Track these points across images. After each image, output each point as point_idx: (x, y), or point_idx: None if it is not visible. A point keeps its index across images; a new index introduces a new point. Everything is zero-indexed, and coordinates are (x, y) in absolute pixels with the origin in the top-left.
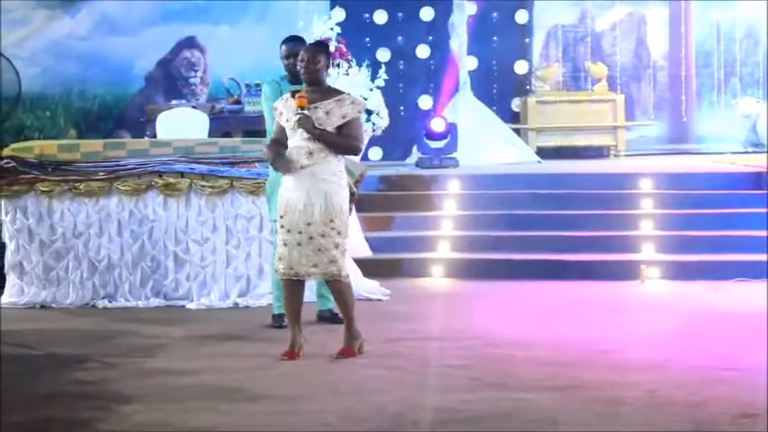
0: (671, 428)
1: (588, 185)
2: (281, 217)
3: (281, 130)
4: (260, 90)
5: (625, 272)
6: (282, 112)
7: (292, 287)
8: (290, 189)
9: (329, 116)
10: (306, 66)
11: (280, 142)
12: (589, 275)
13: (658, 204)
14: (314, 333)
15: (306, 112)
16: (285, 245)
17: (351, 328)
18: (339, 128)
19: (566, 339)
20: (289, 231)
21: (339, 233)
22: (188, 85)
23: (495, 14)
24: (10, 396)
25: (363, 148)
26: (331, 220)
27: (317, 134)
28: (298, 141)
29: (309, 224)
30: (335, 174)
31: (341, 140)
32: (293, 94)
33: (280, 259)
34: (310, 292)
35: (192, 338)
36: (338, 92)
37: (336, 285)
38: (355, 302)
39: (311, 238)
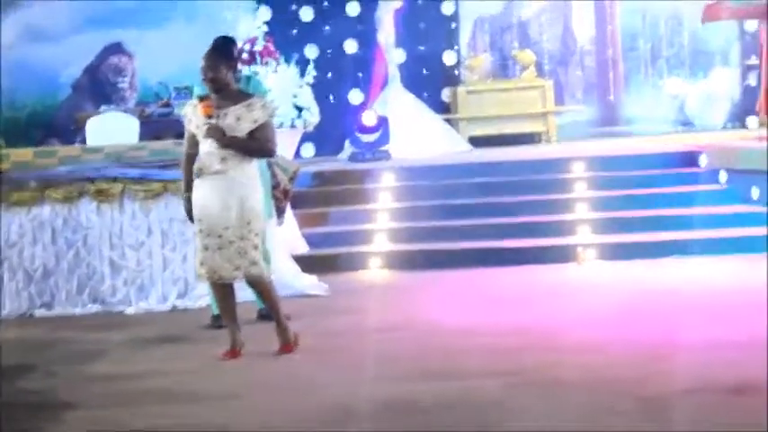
0: (614, 406)
1: (521, 172)
2: (200, 221)
3: (192, 137)
4: (189, 93)
5: (562, 255)
6: (192, 119)
7: (222, 289)
8: (205, 194)
9: (240, 122)
10: (206, 72)
11: (194, 157)
12: (527, 260)
13: (592, 186)
14: (255, 332)
15: (213, 121)
16: (206, 249)
17: (281, 324)
18: (251, 132)
19: (507, 325)
20: (208, 236)
21: (257, 234)
22: (117, 91)
23: (421, 6)
24: None
25: (276, 148)
26: (248, 223)
27: (227, 142)
28: (209, 147)
29: (227, 228)
30: (250, 177)
31: (253, 145)
32: (201, 99)
33: (201, 264)
34: (249, 292)
35: (133, 342)
36: (246, 95)
37: (260, 286)
38: (282, 299)
39: (231, 241)
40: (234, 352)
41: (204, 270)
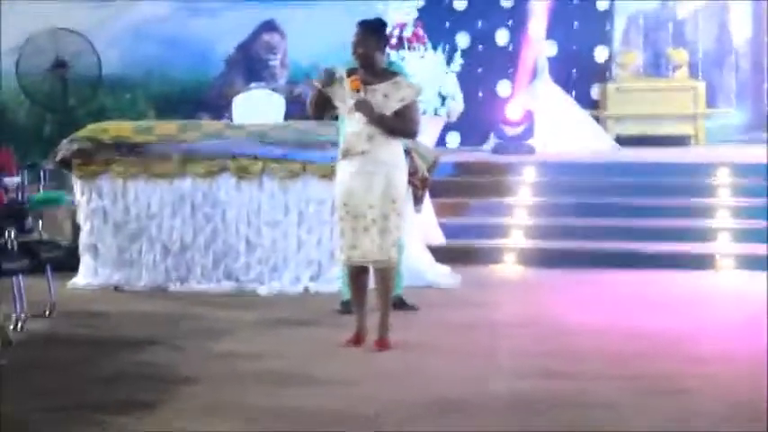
0: (734, 418)
1: (665, 174)
2: (345, 204)
3: (322, 105)
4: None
5: (700, 262)
6: (341, 97)
7: (359, 275)
8: (351, 175)
9: (387, 99)
10: (356, 47)
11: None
12: (664, 265)
13: (735, 194)
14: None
15: (362, 94)
16: (354, 230)
17: (387, 318)
18: (396, 111)
19: (637, 329)
20: (355, 217)
21: (399, 215)
22: (267, 68)
23: (575, 0)
24: (79, 376)
25: (420, 130)
26: (393, 201)
27: (377, 119)
28: (356, 126)
29: (371, 207)
30: (395, 156)
31: (400, 124)
32: (348, 73)
33: (354, 247)
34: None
35: (260, 323)
36: (393, 73)
37: (387, 274)
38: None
39: (374, 221)
40: (358, 338)
41: (358, 254)
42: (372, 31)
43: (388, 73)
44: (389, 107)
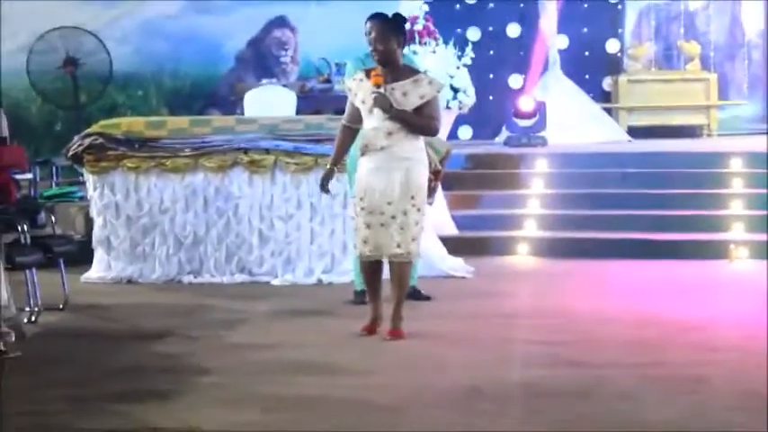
0: (749, 407)
1: (678, 164)
2: (361, 199)
3: (354, 111)
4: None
5: (714, 251)
6: (357, 92)
7: (373, 265)
8: (370, 171)
9: (407, 97)
10: (375, 44)
11: (351, 130)
12: (677, 255)
13: (748, 184)
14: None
15: (381, 90)
16: (369, 227)
17: (401, 308)
18: (417, 108)
19: (650, 318)
20: (371, 213)
21: (419, 210)
22: (279, 65)
23: None
24: (94, 368)
25: (441, 127)
26: (412, 197)
27: (395, 113)
28: (375, 122)
29: (390, 203)
30: (416, 151)
31: (419, 120)
32: (367, 73)
33: (365, 242)
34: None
35: (274, 314)
36: (414, 71)
37: (405, 267)
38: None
39: (394, 217)
40: (373, 327)
41: (368, 248)
42: (392, 28)
43: (408, 70)
44: (409, 104)
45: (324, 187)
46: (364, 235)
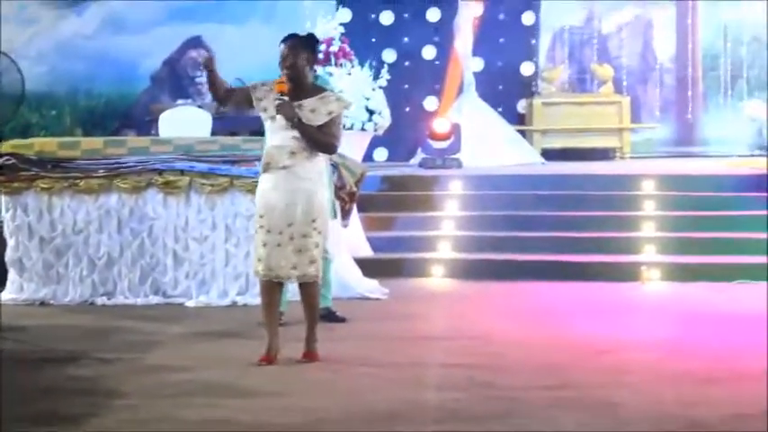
0: (661, 428)
1: (591, 187)
2: (261, 217)
3: (236, 94)
4: None
5: (626, 273)
6: (262, 98)
7: (271, 289)
8: (270, 189)
9: (315, 114)
10: (285, 60)
11: (228, 91)
12: (590, 276)
13: (660, 206)
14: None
15: (286, 98)
16: (265, 245)
17: (314, 330)
18: (321, 125)
19: (563, 340)
20: (269, 232)
21: (320, 233)
22: (194, 85)
23: (501, 15)
24: (8, 391)
25: (339, 146)
26: (313, 220)
27: (297, 124)
28: (279, 140)
29: (290, 224)
30: (318, 173)
31: (323, 137)
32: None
33: (259, 260)
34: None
35: (189, 336)
36: (321, 89)
37: (311, 288)
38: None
39: (292, 238)
40: (269, 357)
41: (261, 267)
42: (302, 46)
43: (316, 88)
44: (318, 121)
45: None
46: (260, 253)
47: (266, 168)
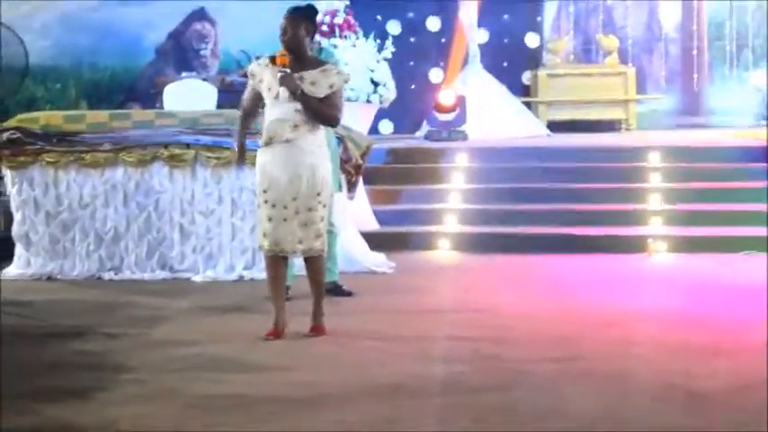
0: (667, 399)
1: (597, 159)
2: (264, 191)
3: (255, 98)
4: None
5: (633, 245)
6: (262, 78)
7: (276, 264)
8: (274, 163)
9: (316, 86)
10: (284, 32)
11: (250, 117)
12: (597, 249)
13: (666, 178)
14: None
15: (287, 71)
16: (270, 220)
17: (321, 304)
18: (323, 98)
19: (570, 313)
20: (274, 206)
21: (324, 206)
22: (198, 58)
23: None
24: (14, 366)
25: (341, 118)
26: (318, 194)
27: (300, 96)
28: (281, 113)
29: (295, 198)
30: (320, 146)
31: (326, 109)
32: (273, 59)
33: (264, 235)
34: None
35: (196, 310)
36: (321, 62)
37: (317, 262)
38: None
39: (297, 212)
40: (277, 331)
41: (267, 242)
42: (300, 18)
43: (317, 61)
44: (319, 93)
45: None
46: (265, 228)
47: (269, 142)
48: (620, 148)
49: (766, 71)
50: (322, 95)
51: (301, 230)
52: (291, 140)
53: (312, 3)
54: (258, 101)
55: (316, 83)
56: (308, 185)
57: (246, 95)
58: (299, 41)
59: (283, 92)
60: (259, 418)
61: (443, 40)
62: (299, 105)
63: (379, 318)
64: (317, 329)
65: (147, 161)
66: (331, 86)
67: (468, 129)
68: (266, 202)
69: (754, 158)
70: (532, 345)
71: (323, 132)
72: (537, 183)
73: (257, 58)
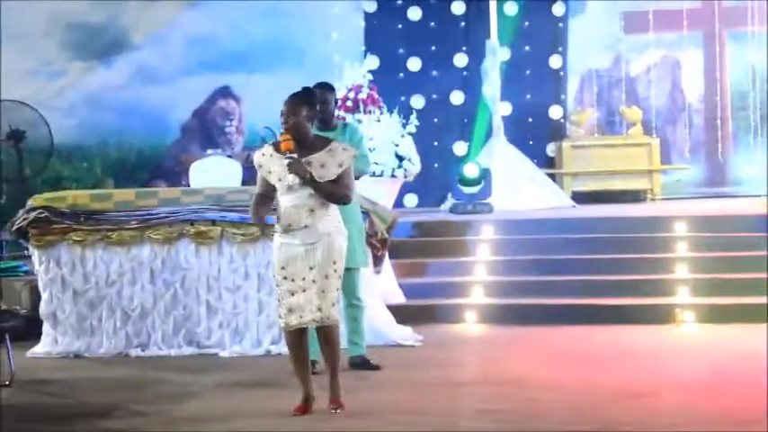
0: None
1: (622, 229)
2: (283, 268)
3: (267, 183)
4: None
5: (660, 316)
6: (271, 169)
7: (299, 338)
8: (290, 243)
9: (325, 168)
10: (286, 117)
11: (267, 198)
12: (624, 320)
13: (693, 247)
14: (345, 380)
15: (294, 156)
16: (292, 294)
17: (337, 376)
18: (334, 179)
19: (597, 383)
20: (293, 280)
21: (339, 277)
22: (223, 135)
23: (528, 59)
24: None
25: (353, 197)
26: (334, 262)
27: (309, 180)
28: (295, 200)
29: (312, 267)
30: (336, 224)
31: (338, 190)
32: (275, 147)
33: (290, 311)
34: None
35: (223, 386)
36: (325, 139)
37: (333, 331)
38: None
39: (314, 281)
40: (304, 407)
41: (294, 317)
42: (300, 102)
43: (320, 140)
44: (330, 175)
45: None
46: (289, 303)
47: (287, 229)
48: (646, 218)
49: None
50: (333, 177)
51: (318, 298)
52: (310, 225)
53: (327, 83)
54: (271, 186)
55: (325, 165)
56: (323, 254)
57: (259, 182)
58: (301, 126)
59: (294, 179)
60: None
61: (467, 113)
62: (312, 190)
63: (407, 391)
64: (335, 402)
65: (173, 238)
66: (340, 165)
67: (493, 201)
68: (285, 278)
69: None
70: (561, 417)
71: (337, 212)
72: (563, 254)
73: (263, 140)
